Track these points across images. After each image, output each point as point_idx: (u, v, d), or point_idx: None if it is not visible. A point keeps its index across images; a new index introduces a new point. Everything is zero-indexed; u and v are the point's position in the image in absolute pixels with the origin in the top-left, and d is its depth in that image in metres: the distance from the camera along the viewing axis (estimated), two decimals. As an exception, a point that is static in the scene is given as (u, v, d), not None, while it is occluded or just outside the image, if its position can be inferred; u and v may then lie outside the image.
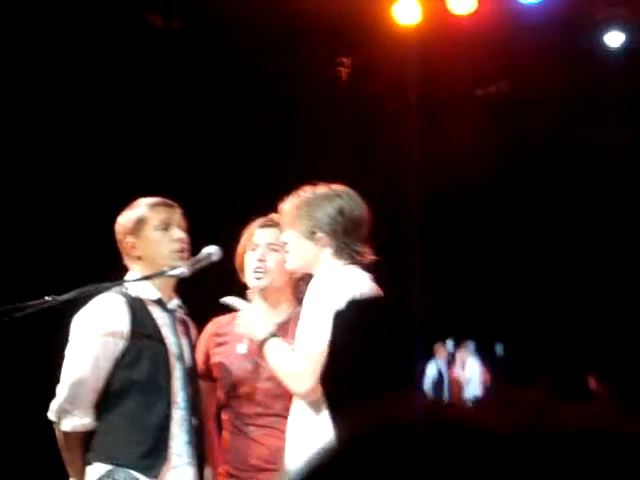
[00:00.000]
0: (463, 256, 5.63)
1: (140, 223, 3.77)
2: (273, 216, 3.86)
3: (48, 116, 5.52)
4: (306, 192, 3.64)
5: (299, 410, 3.54)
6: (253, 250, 3.85)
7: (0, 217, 5.47)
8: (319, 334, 3.46)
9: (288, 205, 3.63)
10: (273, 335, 3.56)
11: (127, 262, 3.82)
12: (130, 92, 5.55)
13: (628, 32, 5.98)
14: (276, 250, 3.80)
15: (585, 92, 5.78)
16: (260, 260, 3.81)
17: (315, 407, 3.50)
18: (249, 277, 3.84)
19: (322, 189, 3.64)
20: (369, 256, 3.61)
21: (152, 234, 3.76)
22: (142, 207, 3.79)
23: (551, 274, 5.45)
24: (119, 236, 3.82)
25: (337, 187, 3.65)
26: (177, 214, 3.81)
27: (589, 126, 5.76)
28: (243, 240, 3.88)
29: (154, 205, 3.80)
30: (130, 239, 3.77)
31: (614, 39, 6.04)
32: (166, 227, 3.76)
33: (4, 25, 5.44)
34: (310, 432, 3.50)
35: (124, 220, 3.81)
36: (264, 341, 3.55)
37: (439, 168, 5.75)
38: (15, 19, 5.42)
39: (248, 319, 3.66)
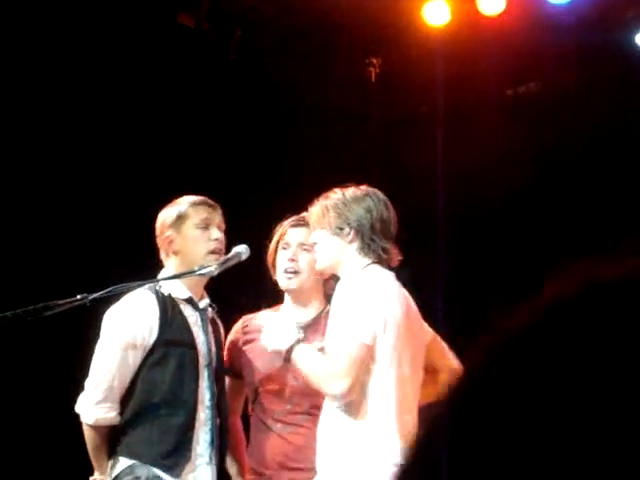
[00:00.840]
0: (489, 266, 5.61)
1: (181, 219, 3.82)
2: (305, 215, 3.89)
3: (88, 113, 5.56)
4: (335, 193, 3.69)
5: (331, 413, 3.55)
6: (285, 249, 3.88)
7: (35, 214, 5.51)
8: (352, 333, 3.47)
9: (317, 206, 3.68)
10: (298, 342, 3.58)
11: (163, 257, 3.87)
12: (163, 92, 5.59)
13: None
14: (308, 250, 3.83)
15: (616, 93, 5.76)
16: (292, 260, 3.84)
17: (348, 410, 3.50)
18: (280, 276, 3.87)
19: (351, 190, 3.68)
20: (396, 256, 3.65)
21: (191, 231, 3.81)
22: (185, 204, 3.86)
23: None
24: (159, 229, 3.87)
25: (365, 188, 3.70)
26: (218, 215, 3.87)
27: (621, 127, 5.73)
28: (275, 238, 3.91)
29: (197, 203, 3.86)
30: (169, 233, 3.83)
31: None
32: (206, 226, 3.82)
33: (36, 23, 5.48)
34: (344, 435, 3.51)
35: (165, 215, 3.87)
36: (291, 349, 3.57)
37: (467, 169, 5.74)
38: (42, 17, 5.46)
39: (273, 330, 3.68)
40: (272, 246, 3.91)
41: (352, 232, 3.62)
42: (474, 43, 5.94)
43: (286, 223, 3.92)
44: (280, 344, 3.60)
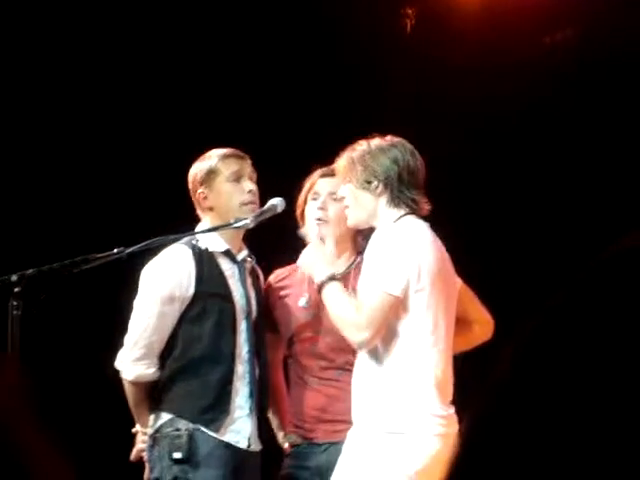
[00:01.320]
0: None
1: (212, 174, 3.80)
2: (334, 166, 3.87)
3: (115, 66, 5.55)
4: (361, 144, 3.65)
5: (364, 365, 3.56)
6: (315, 199, 3.84)
7: (71, 168, 5.53)
8: (380, 285, 3.47)
9: (343, 159, 3.65)
10: (333, 279, 3.58)
11: (199, 212, 3.87)
12: (192, 41, 5.56)
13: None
14: (337, 200, 3.80)
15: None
16: (321, 209, 3.81)
17: (380, 361, 3.51)
18: (310, 225, 3.85)
19: (376, 141, 3.65)
20: (426, 205, 3.63)
21: (224, 186, 3.79)
22: (214, 158, 3.82)
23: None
24: (191, 187, 3.85)
25: (391, 138, 3.67)
26: (248, 166, 3.84)
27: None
28: (305, 189, 3.88)
29: (226, 156, 3.82)
30: (202, 190, 3.81)
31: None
32: (237, 179, 3.80)
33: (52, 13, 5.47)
34: (374, 386, 3.52)
35: (196, 171, 3.84)
36: (323, 284, 3.58)
37: (502, 119, 5.68)
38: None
39: (313, 257, 3.69)
40: (302, 197, 3.87)
41: (380, 185, 3.59)
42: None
43: (315, 174, 3.88)
44: (315, 274, 3.62)
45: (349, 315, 3.50)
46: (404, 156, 3.62)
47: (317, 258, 3.67)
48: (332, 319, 3.58)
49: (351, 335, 3.50)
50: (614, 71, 5.73)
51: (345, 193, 3.66)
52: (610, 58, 5.73)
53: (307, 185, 3.89)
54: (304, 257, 3.72)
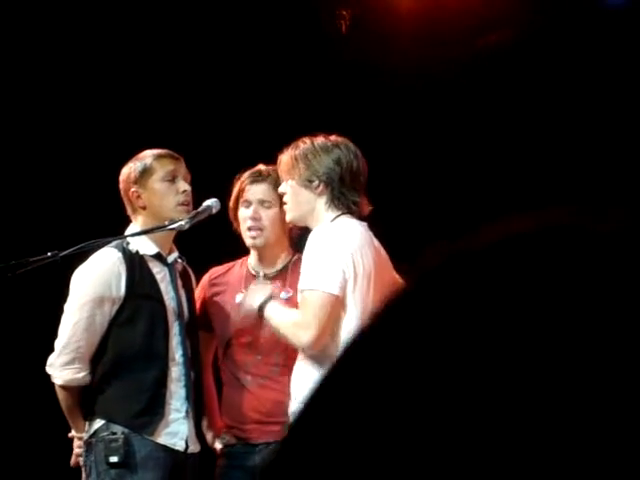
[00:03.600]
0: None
1: (146, 173, 3.77)
2: (261, 168, 3.86)
3: (52, 66, 5.50)
4: (304, 142, 3.65)
5: (303, 365, 3.57)
6: (246, 207, 3.84)
7: (5, 173, 5.46)
8: (319, 284, 3.48)
9: (286, 155, 3.65)
10: (269, 299, 3.59)
11: (130, 213, 3.83)
12: (125, 44, 5.53)
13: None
14: (269, 207, 3.81)
15: (588, 35, 5.74)
16: (253, 218, 3.81)
17: (320, 361, 3.52)
18: (244, 234, 3.84)
19: (320, 139, 3.65)
20: (366, 206, 3.64)
21: (158, 185, 3.77)
22: (148, 158, 3.80)
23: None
24: (123, 186, 3.82)
25: (335, 138, 3.68)
26: (183, 166, 3.82)
27: (593, 71, 5.72)
28: (234, 194, 3.86)
29: (160, 156, 3.80)
30: (135, 189, 3.78)
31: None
32: (172, 179, 3.77)
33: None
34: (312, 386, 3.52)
35: (129, 170, 3.81)
36: (262, 306, 3.58)
37: (436, 121, 5.74)
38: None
39: (247, 297, 3.70)
40: (232, 202, 3.86)
41: (321, 185, 3.60)
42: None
43: (244, 178, 3.86)
44: (253, 302, 3.62)
45: (291, 320, 3.51)
46: (347, 157, 3.62)
47: (251, 293, 3.68)
48: (277, 334, 3.57)
49: (297, 337, 3.50)
50: (547, 73, 5.81)
51: (285, 190, 3.66)
52: (543, 60, 5.81)
53: (236, 189, 3.87)
54: (240, 297, 3.74)
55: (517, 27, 5.92)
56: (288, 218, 3.68)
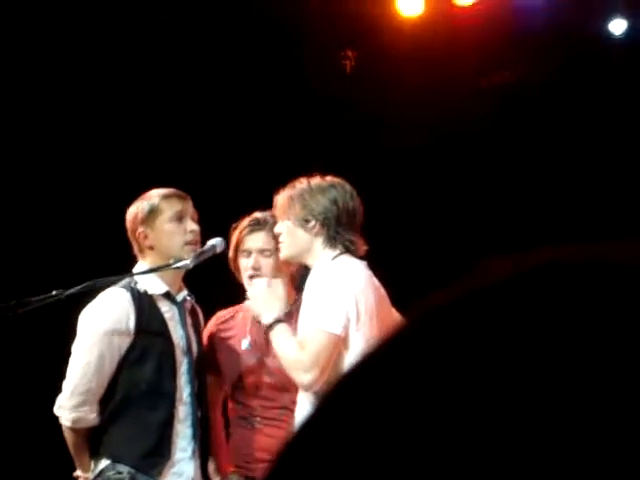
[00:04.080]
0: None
1: (153, 214, 3.77)
2: (258, 216, 3.85)
3: (51, 105, 5.52)
4: (301, 182, 3.66)
5: (305, 404, 3.55)
6: (246, 257, 3.83)
7: (6, 210, 5.47)
8: (322, 324, 3.48)
9: (283, 196, 3.66)
10: (279, 321, 3.58)
11: (137, 253, 3.83)
12: (127, 87, 5.56)
13: (631, 19, 5.97)
14: (268, 256, 3.80)
15: (589, 80, 5.77)
16: (254, 268, 3.80)
17: (317, 399, 3.50)
18: (247, 284, 3.82)
19: (316, 180, 3.66)
20: (362, 246, 3.64)
21: (166, 225, 3.76)
22: (155, 198, 3.79)
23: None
24: (130, 226, 3.81)
25: (331, 179, 3.68)
26: (190, 205, 3.82)
27: (594, 115, 5.75)
28: (233, 244, 3.85)
29: (168, 196, 3.80)
30: (142, 229, 3.77)
31: (617, 26, 6.03)
32: (179, 219, 3.77)
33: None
34: None
35: (136, 210, 3.80)
36: (271, 326, 3.57)
37: (439, 159, 5.76)
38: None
39: (262, 297, 3.68)
40: (231, 252, 3.85)
41: (317, 225, 3.60)
42: (448, 33, 5.95)
43: (242, 228, 3.86)
44: (262, 315, 3.61)
45: (294, 357, 3.49)
46: (344, 197, 3.63)
47: (264, 298, 3.66)
48: (280, 360, 3.57)
49: (297, 377, 3.49)
50: (550, 112, 5.84)
51: (281, 229, 3.66)
52: (547, 100, 5.84)
53: (234, 239, 3.86)
54: (252, 296, 3.72)
55: (519, 69, 5.96)
56: (282, 255, 3.67)
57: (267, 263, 3.80)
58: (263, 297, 3.66)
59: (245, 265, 3.82)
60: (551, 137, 5.84)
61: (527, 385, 0.57)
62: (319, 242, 3.60)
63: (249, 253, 3.83)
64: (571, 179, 5.75)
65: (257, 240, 3.82)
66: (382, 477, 0.57)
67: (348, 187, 3.67)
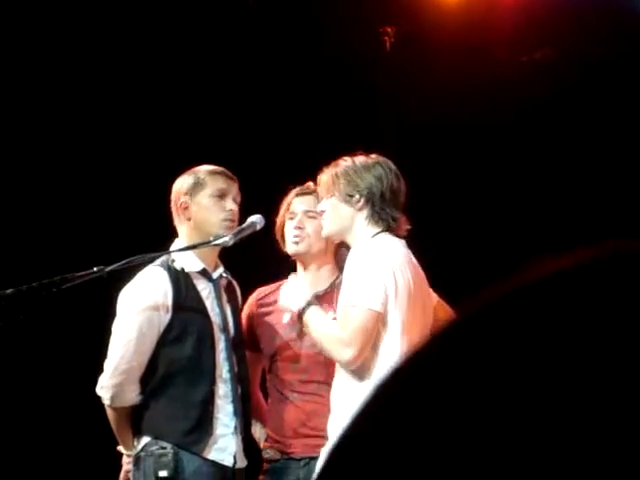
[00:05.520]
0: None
1: (198, 186, 3.81)
2: (310, 184, 3.89)
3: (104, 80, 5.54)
4: (345, 160, 3.67)
5: (342, 379, 3.56)
6: (291, 219, 3.87)
7: (48, 187, 5.51)
8: (361, 300, 3.48)
9: (327, 173, 3.67)
10: (310, 304, 3.59)
11: (176, 224, 3.86)
12: (174, 60, 5.57)
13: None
14: (313, 217, 3.82)
15: (631, 56, 5.71)
16: (298, 227, 3.83)
17: (359, 376, 3.51)
18: (288, 245, 3.86)
19: (361, 158, 3.67)
20: (404, 225, 3.65)
21: (206, 200, 3.79)
22: (202, 172, 3.84)
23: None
24: (174, 195, 3.86)
25: (376, 157, 3.69)
26: (235, 187, 3.84)
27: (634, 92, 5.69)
28: (282, 210, 3.90)
29: (214, 172, 3.85)
30: (184, 199, 3.81)
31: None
32: (221, 196, 3.80)
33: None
34: (350, 402, 3.52)
35: (182, 181, 3.85)
36: (303, 310, 3.58)
37: (481, 139, 5.72)
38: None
39: (289, 290, 3.71)
40: (279, 219, 3.90)
41: (362, 200, 3.61)
42: (488, 10, 5.91)
43: (290, 194, 3.91)
44: (293, 304, 3.63)
45: (332, 334, 3.50)
46: (388, 175, 3.64)
47: (293, 289, 3.68)
48: (316, 342, 3.57)
49: (337, 354, 3.50)
50: (592, 89, 5.78)
51: (325, 207, 3.67)
52: (587, 77, 5.78)
53: (283, 206, 3.91)
54: (282, 295, 3.74)
55: (561, 45, 5.91)
56: (325, 232, 3.68)
57: (310, 224, 3.83)
58: (291, 289, 3.68)
59: (290, 226, 3.85)
60: (593, 116, 5.78)
61: (604, 379, 0.56)
62: (362, 218, 3.61)
63: (294, 215, 3.87)
64: (616, 161, 5.68)
65: (304, 202, 3.87)
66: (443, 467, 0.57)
67: (392, 166, 3.68)
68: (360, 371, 3.51)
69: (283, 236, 3.90)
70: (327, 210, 3.66)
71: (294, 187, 3.94)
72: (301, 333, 3.83)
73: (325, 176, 3.67)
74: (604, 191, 5.61)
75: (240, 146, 5.35)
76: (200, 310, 3.77)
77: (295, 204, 3.88)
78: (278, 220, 3.90)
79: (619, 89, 5.68)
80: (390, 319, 3.51)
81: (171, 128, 5.51)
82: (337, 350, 3.49)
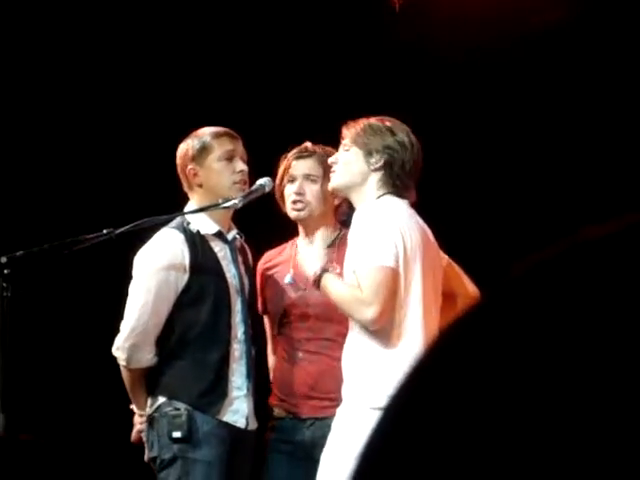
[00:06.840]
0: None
1: (204, 152, 3.77)
2: (308, 144, 3.87)
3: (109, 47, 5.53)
4: (377, 120, 3.66)
5: (357, 343, 3.56)
6: (291, 182, 3.84)
7: (59, 150, 5.51)
8: (375, 258, 3.48)
9: (359, 123, 3.65)
10: (326, 270, 3.60)
11: (186, 190, 3.84)
12: (178, 24, 5.55)
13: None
14: (314, 181, 3.81)
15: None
16: (298, 193, 3.81)
17: (378, 339, 3.51)
18: (289, 209, 3.85)
19: (390, 122, 3.67)
20: (413, 196, 3.66)
21: (215, 164, 3.77)
22: (207, 136, 3.80)
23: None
24: (181, 162, 3.83)
25: (403, 125, 3.68)
26: (240, 146, 3.82)
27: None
28: (280, 171, 3.87)
29: (219, 135, 3.81)
30: (192, 166, 3.79)
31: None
32: (230, 158, 3.78)
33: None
34: (364, 362, 3.52)
35: (187, 147, 3.81)
36: (319, 277, 3.59)
37: (491, 102, 5.68)
38: None
39: (302, 259, 3.72)
40: (278, 179, 3.86)
41: (381, 161, 3.61)
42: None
43: (290, 155, 3.87)
44: (308, 270, 3.64)
45: (352, 296, 3.49)
46: (414, 147, 3.65)
47: (307, 255, 3.69)
48: (339, 306, 3.57)
49: (360, 315, 3.48)
50: (603, 53, 5.74)
51: (338, 158, 3.65)
52: (600, 40, 5.74)
53: (282, 166, 3.88)
54: (300, 259, 3.76)
55: (572, 8, 5.86)
56: (332, 184, 3.66)
57: (311, 189, 3.82)
58: (305, 255, 3.69)
59: (289, 191, 3.84)
60: (607, 80, 5.73)
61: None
62: (374, 179, 3.61)
63: (294, 178, 3.84)
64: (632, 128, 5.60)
65: (303, 166, 3.84)
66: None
67: (414, 138, 3.68)
68: (379, 334, 3.51)
69: (282, 196, 3.88)
70: (339, 162, 3.65)
71: (290, 148, 3.90)
72: (304, 292, 3.83)
73: (357, 125, 3.65)
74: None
75: (247, 108, 5.32)
76: (217, 272, 3.77)
77: (295, 167, 3.85)
78: (277, 181, 3.87)
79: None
80: (403, 278, 3.52)
81: (177, 87, 5.49)
82: (359, 311, 3.47)
